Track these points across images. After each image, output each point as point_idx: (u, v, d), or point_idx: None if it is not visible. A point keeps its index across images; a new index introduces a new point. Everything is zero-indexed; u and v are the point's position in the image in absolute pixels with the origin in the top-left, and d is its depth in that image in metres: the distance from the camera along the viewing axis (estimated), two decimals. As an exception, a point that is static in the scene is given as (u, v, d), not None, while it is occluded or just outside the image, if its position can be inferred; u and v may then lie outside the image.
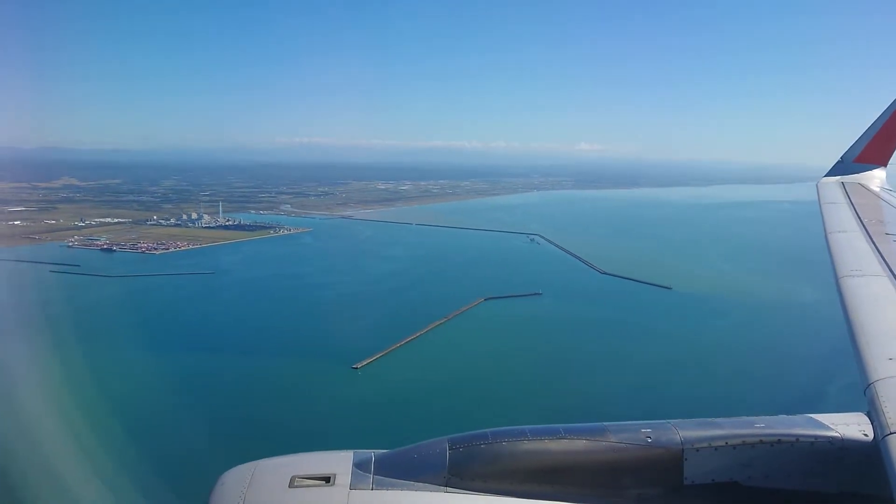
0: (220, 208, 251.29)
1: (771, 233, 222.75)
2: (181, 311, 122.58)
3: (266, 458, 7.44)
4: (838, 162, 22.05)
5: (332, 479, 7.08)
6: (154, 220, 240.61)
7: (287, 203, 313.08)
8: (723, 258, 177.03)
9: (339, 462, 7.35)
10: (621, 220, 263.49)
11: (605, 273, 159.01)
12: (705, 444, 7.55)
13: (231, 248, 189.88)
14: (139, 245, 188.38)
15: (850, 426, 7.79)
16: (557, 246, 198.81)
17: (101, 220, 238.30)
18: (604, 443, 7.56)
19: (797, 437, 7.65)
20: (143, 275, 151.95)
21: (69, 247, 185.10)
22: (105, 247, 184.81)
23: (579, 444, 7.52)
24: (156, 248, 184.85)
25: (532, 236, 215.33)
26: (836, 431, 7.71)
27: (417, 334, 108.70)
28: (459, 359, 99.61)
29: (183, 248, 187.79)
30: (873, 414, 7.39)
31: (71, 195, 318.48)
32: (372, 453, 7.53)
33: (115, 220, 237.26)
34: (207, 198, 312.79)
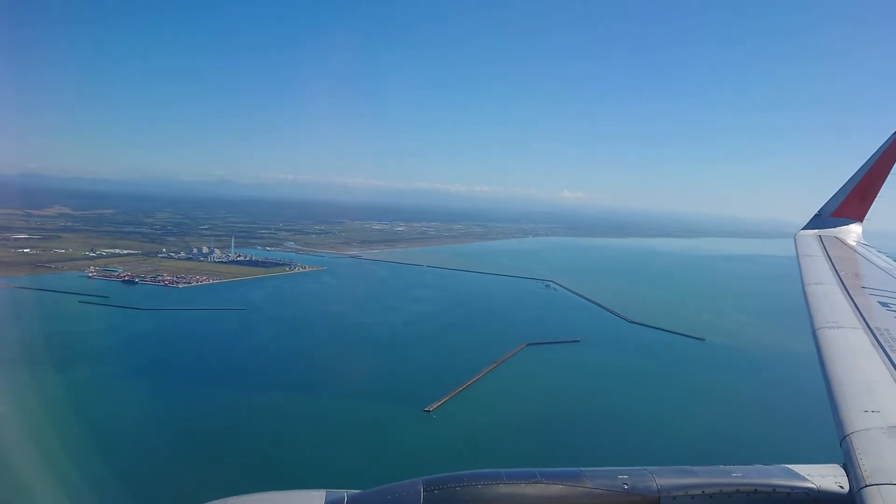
0: (232, 243, 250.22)
1: (777, 287, 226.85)
2: (231, 347, 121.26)
3: (236, 496, 7.43)
4: (816, 216, 22.51)
5: None
6: (164, 252, 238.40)
7: (290, 240, 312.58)
8: (740, 311, 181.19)
9: (312, 502, 7.34)
10: (628, 269, 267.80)
11: (634, 322, 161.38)
12: (682, 493, 7.58)
13: (252, 285, 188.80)
14: (160, 278, 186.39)
15: (826, 477, 7.94)
16: (575, 293, 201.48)
17: (111, 250, 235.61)
18: (580, 488, 7.52)
19: (773, 487, 7.72)
20: (176, 309, 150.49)
21: (88, 277, 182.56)
22: (126, 278, 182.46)
23: (555, 490, 7.48)
24: (177, 282, 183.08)
25: (547, 282, 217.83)
26: (812, 483, 7.83)
27: (476, 377, 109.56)
28: (524, 402, 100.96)
29: (204, 283, 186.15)
30: (849, 466, 7.36)
31: (69, 224, 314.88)
32: (345, 493, 7.53)
33: (126, 252, 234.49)
34: (207, 232, 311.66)
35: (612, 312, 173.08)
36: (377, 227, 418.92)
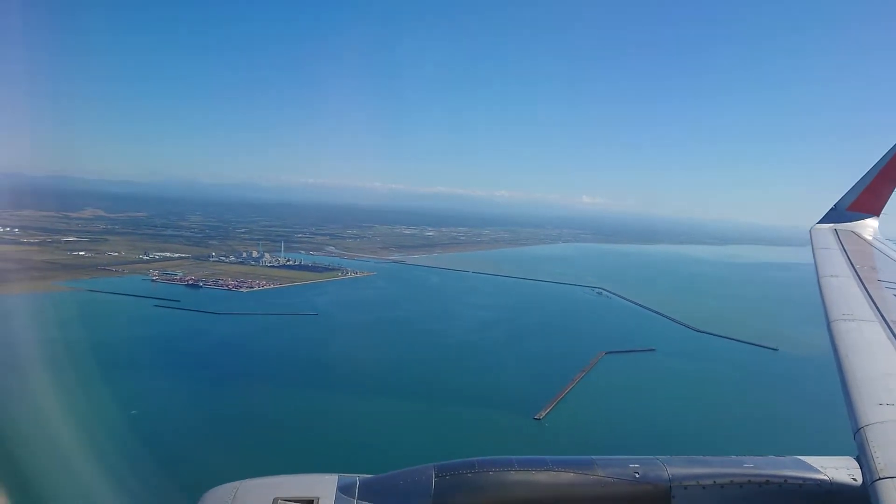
0: (282, 248, 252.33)
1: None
2: (320, 351, 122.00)
3: (250, 479, 7.57)
4: (831, 209, 22.40)
5: (315, 503, 7.24)
6: (214, 256, 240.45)
7: (329, 245, 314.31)
8: (803, 320, 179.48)
9: (324, 485, 7.43)
10: (670, 277, 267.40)
11: (701, 331, 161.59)
12: (693, 482, 7.64)
13: (312, 290, 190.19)
14: (222, 282, 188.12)
15: (839, 470, 7.92)
16: (629, 300, 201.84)
17: (161, 253, 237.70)
18: (591, 476, 7.62)
19: (785, 478, 7.74)
20: (250, 313, 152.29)
21: (153, 281, 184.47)
22: (191, 282, 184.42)
23: (566, 477, 7.59)
24: (240, 286, 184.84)
25: (599, 290, 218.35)
26: (825, 475, 7.83)
27: (571, 385, 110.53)
28: (628, 409, 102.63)
29: (265, 287, 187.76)
30: (862, 458, 7.36)
31: (109, 227, 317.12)
32: (357, 478, 7.60)
33: (177, 255, 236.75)
34: (246, 236, 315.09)
35: (673, 321, 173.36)
36: (407, 232, 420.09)
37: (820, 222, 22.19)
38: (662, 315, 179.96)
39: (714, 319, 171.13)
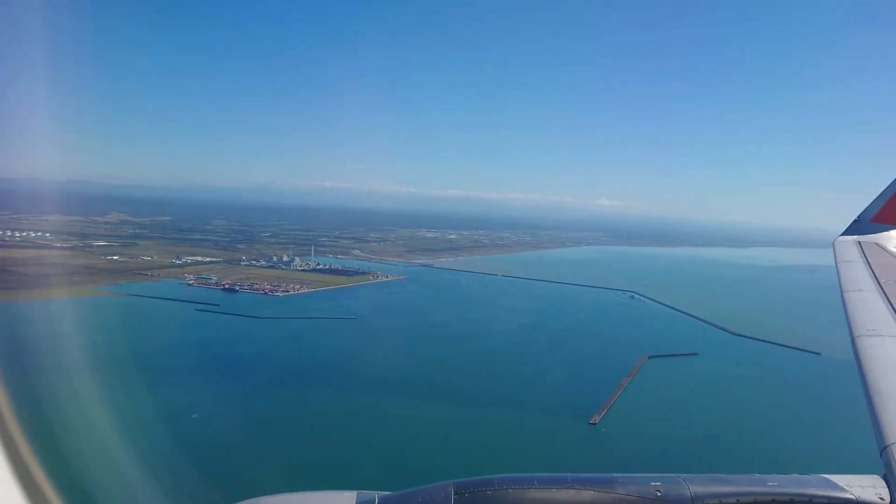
0: (312, 252, 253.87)
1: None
2: (367, 356, 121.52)
3: (266, 496, 7.44)
4: (855, 221, 21.82)
5: None
6: (245, 260, 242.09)
7: (354, 248, 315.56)
8: (840, 323, 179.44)
9: (342, 503, 7.37)
10: (697, 279, 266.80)
11: (739, 335, 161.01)
12: (715, 501, 7.49)
13: (346, 293, 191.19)
14: (257, 286, 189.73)
15: (866, 489, 7.67)
16: (662, 304, 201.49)
17: (193, 258, 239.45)
18: (612, 494, 7.42)
19: (810, 497, 7.53)
20: (291, 317, 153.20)
21: (189, 285, 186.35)
22: (227, 286, 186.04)
23: (587, 495, 7.41)
24: (275, 290, 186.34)
25: (630, 293, 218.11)
26: (851, 494, 7.60)
27: (620, 390, 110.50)
28: (681, 414, 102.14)
29: (300, 291, 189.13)
30: (890, 477, 7.31)
31: (137, 231, 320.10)
32: (376, 495, 7.45)
33: (208, 259, 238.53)
34: (272, 240, 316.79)
35: (710, 324, 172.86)
36: (430, 236, 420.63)
37: (843, 234, 21.66)
38: (698, 318, 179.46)
39: (750, 323, 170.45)
